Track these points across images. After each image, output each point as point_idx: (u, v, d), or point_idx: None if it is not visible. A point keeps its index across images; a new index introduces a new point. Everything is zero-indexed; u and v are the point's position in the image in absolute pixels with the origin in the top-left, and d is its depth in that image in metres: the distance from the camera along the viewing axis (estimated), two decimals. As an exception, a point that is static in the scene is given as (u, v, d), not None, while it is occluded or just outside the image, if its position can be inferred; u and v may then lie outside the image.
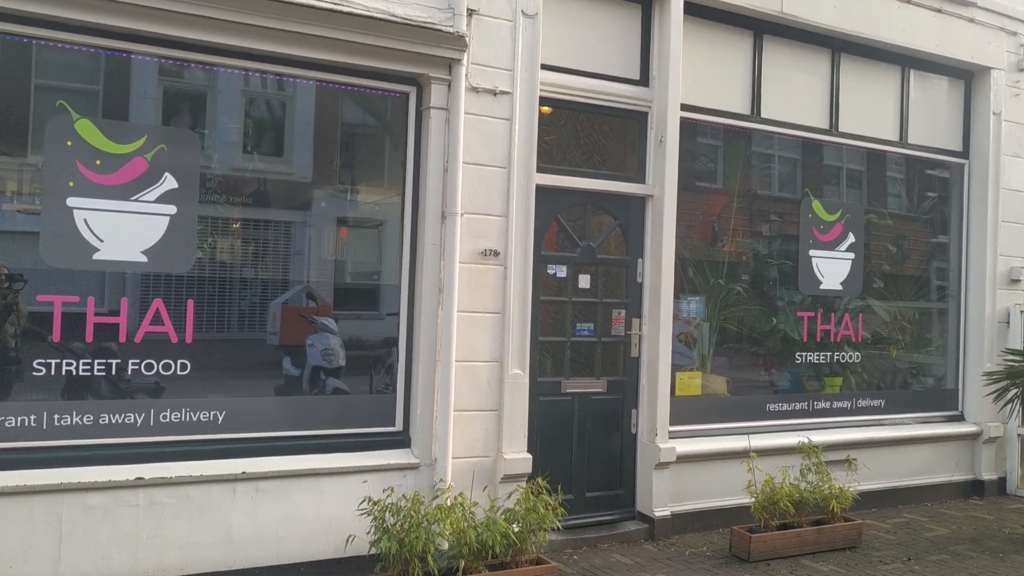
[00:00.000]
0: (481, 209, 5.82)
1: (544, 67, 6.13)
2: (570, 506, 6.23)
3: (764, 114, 7.34)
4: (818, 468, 6.32)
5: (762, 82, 7.31)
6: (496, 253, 5.87)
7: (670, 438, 6.53)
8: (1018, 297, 8.50)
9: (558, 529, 5.26)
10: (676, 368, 6.85)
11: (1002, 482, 8.42)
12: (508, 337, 5.88)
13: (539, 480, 5.26)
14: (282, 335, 5.57)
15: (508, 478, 5.77)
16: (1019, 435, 8.37)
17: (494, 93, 5.87)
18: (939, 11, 8.02)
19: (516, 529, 5.04)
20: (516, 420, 5.91)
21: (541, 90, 6.11)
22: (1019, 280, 8.51)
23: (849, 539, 6.38)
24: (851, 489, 6.40)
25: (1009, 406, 7.34)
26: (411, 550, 4.66)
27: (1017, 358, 7.32)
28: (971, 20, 8.24)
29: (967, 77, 8.53)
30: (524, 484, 5.37)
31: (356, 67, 5.49)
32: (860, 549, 6.36)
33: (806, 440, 6.45)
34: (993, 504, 8.01)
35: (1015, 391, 7.15)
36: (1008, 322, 8.41)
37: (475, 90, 5.79)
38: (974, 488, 8.27)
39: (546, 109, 6.40)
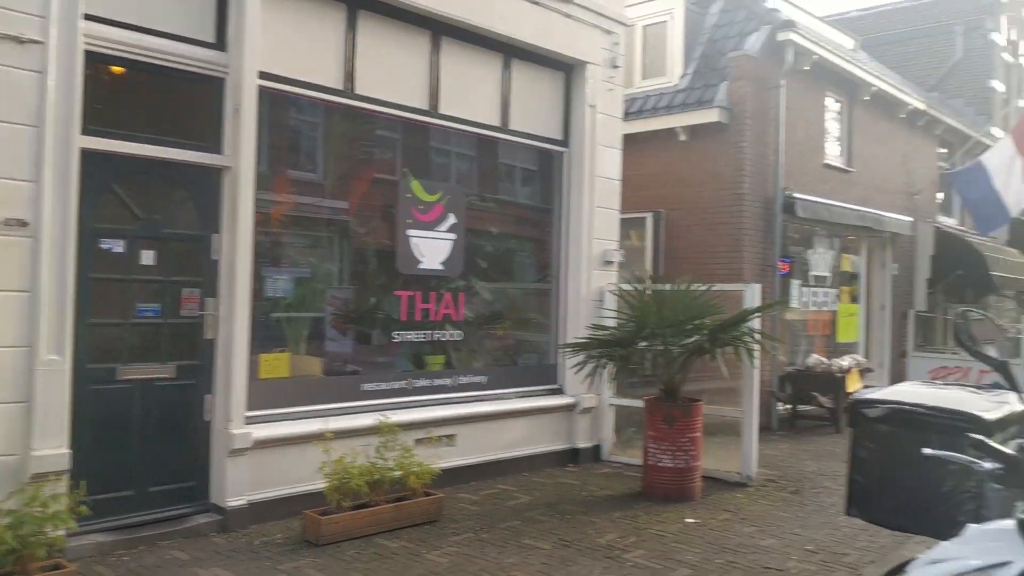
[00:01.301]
0: (1, 172, 5.09)
1: (93, 18, 5.52)
2: (129, 503, 5.77)
3: (359, 91, 7.16)
4: (396, 445, 6.31)
5: (356, 58, 7.12)
6: (23, 223, 5.17)
7: (248, 423, 6.19)
8: (611, 278, 9.15)
9: (75, 531, 4.71)
10: (262, 349, 6.55)
11: (597, 449, 9.03)
12: (41, 319, 5.21)
13: (51, 476, 4.70)
14: None
15: (40, 477, 5.10)
16: (611, 405, 9.05)
17: (19, 41, 5.16)
18: (537, 3, 8.38)
19: (25, 532, 4.45)
20: (52, 412, 5.25)
21: (93, 45, 5.51)
22: (612, 262, 9.18)
23: (429, 513, 6.43)
24: (433, 464, 6.47)
25: (591, 378, 7.86)
26: None
27: (596, 332, 7.87)
28: (568, 16, 8.72)
29: (567, 70, 9.01)
30: (61, 483, 4.78)
31: None
32: (440, 523, 6.43)
33: (384, 418, 6.41)
34: (585, 470, 8.54)
35: (593, 364, 7.65)
36: (602, 301, 9.04)
37: (-8, 35, 5.05)
38: (571, 456, 8.78)
39: (118, 70, 5.80)
